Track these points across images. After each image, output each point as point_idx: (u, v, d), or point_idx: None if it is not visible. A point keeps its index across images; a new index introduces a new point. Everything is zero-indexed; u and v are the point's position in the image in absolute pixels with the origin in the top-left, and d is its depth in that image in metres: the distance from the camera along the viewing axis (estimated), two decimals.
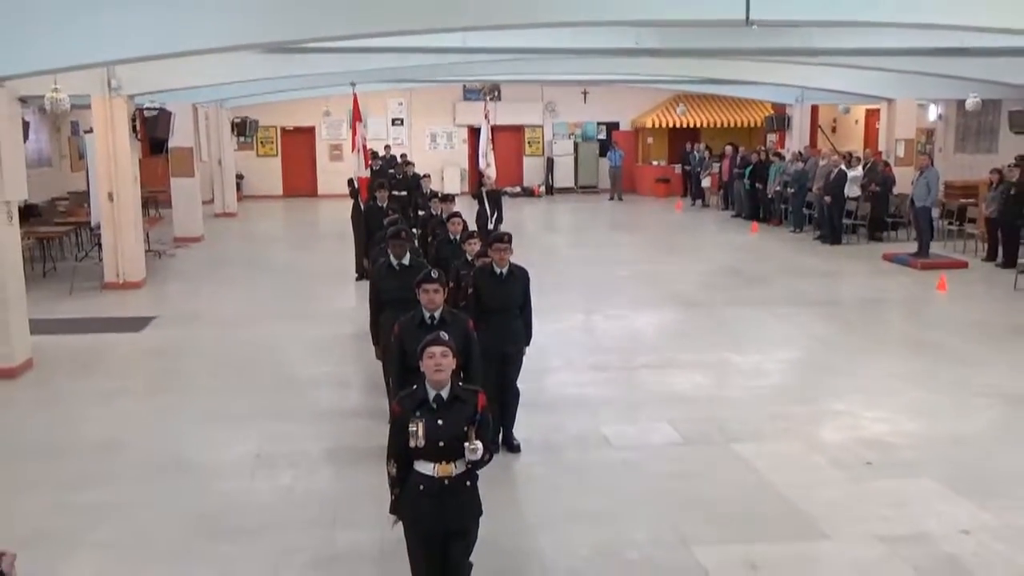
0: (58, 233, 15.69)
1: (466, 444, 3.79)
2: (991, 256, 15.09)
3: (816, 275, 14.29)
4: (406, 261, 6.71)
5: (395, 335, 5.37)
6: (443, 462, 3.85)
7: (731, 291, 13.14)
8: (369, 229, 11.25)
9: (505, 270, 6.60)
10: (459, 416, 3.86)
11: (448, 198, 10.43)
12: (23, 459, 6.87)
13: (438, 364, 3.83)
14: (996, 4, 8.68)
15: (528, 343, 6.85)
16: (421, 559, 4.03)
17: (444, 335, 3.96)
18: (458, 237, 8.03)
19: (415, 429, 3.79)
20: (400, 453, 3.92)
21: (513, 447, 6.75)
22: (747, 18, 8.43)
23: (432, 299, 5.24)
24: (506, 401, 6.74)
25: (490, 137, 15.62)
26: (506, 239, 6.69)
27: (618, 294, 12.87)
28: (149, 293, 13.07)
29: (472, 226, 10.07)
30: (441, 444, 3.82)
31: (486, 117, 15.77)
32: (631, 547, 5.39)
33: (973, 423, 7.56)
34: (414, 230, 12.31)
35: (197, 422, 7.65)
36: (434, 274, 5.31)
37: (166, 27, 8.35)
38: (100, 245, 13.55)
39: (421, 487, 3.89)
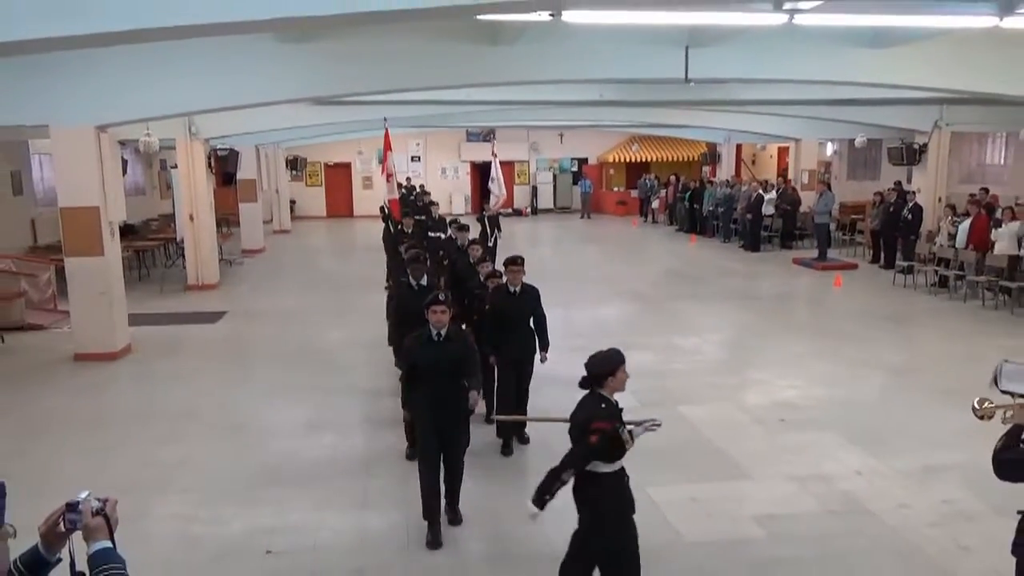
0: (150, 246, 15.65)
1: (651, 421, 3.63)
2: (875, 259, 15.18)
3: (740, 276, 14.31)
4: (423, 282, 6.08)
5: (406, 348, 4.80)
6: None
7: (675, 288, 13.14)
8: (396, 250, 10.70)
9: (518, 288, 6.00)
10: None
11: (464, 227, 9.36)
12: (123, 423, 6.84)
13: (627, 379, 3.59)
14: (874, 66, 8.77)
15: (546, 350, 6.15)
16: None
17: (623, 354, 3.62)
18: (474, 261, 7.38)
19: (627, 436, 3.50)
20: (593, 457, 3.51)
21: (524, 439, 6.19)
22: (686, 76, 8.48)
23: (440, 319, 4.61)
24: (521, 404, 6.14)
25: (499, 170, 14.79)
26: (519, 261, 6.03)
27: (587, 291, 12.85)
28: (222, 293, 13.00)
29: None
30: None
31: (494, 155, 15.00)
32: None
33: (863, 389, 7.58)
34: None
35: (260, 394, 7.61)
36: (441, 296, 4.73)
37: (235, 86, 8.35)
38: (183, 255, 13.48)
39: (624, 480, 3.61)
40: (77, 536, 2.07)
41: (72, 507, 2.05)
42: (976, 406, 3.07)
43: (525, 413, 6.13)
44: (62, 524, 2.06)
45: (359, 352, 9.10)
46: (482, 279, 6.57)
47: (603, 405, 3.55)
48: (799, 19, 6.45)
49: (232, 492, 5.39)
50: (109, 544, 2.05)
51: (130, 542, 2.30)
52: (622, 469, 3.62)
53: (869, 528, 4.79)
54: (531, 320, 6.09)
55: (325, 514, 5.04)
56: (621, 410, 3.61)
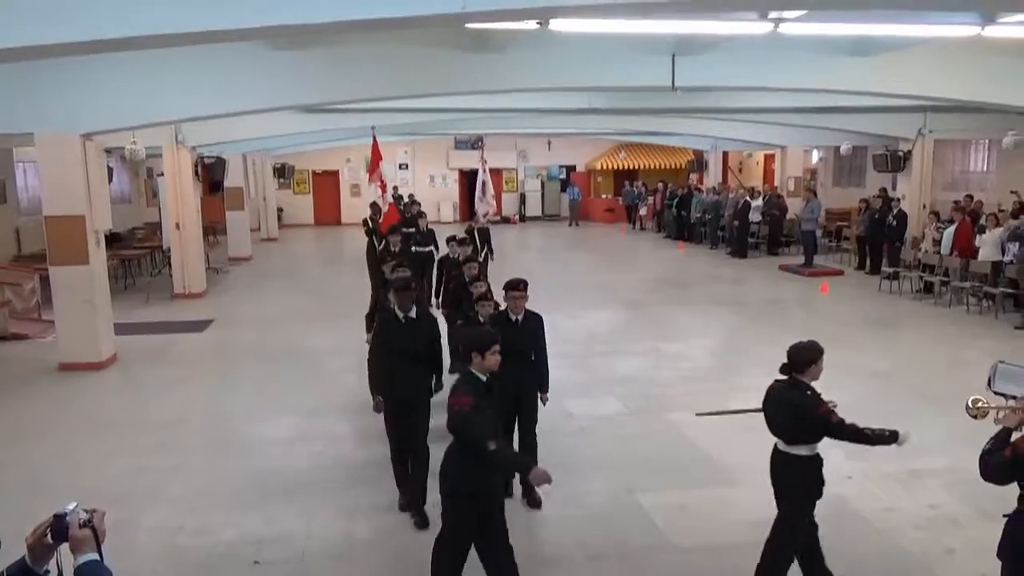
0: (136, 255, 15.55)
1: (829, 402, 3.95)
2: (861, 265, 15.30)
3: (727, 282, 14.39)
4: (412, 314, 5.06)
5: (471, 418, 3.66)
6: None
7: (662, 294, 13.18)
8: (380, 269, 9.05)
9: (520, 316, 5.19)
10: None
11: (464, 241, 8.53)
12: (109, 433, 6.77)
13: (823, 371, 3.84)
14: (858, 75, 8.87)
15: (546, 389, 5.43)
16: None
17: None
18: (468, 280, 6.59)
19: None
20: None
21: (536, 502, 5.25)
22: (673, 84, 8.55)
23: (498, 361, 3.87)
24: (527, 445, 5.24)
25: (490, 181, 13.86)
26: (522, 286, 5.20)
27: (576, 298, 12.84)
28: (209, 301, 12.92)
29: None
30: None
31: (483, 163, 14.46)
32: (589, 495, 5.40)
33: (850, 392, 7.52)
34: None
35: (248, 403, 7.56)
36: (498, 337, 3.98)
37: (222, 94, 8.34)
38: (170, 264, 13.38)
39: (821, 461, 3.91)
40: (64, 548, 2.06)
41: (59, 518, 2.04)
42: (969, 404, 3.13)
43: (535, 461, 5.15)
44: (49, 536, 2.05)
45: (347, 360, 9.04)
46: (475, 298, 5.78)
47: (809, 392, 3.75)
48: (784, 28, 6.52)
49: (220, 502, 5.35)
50: (96, 556, 2.04)
51: (117, 554, 2.29)
52: (818, 452, 3.83)
53: (856, 531, 4.85)
54: (532, 353, 5.28)
55: (313, 523, 5.01)
56: (819, 395, 3.80)
